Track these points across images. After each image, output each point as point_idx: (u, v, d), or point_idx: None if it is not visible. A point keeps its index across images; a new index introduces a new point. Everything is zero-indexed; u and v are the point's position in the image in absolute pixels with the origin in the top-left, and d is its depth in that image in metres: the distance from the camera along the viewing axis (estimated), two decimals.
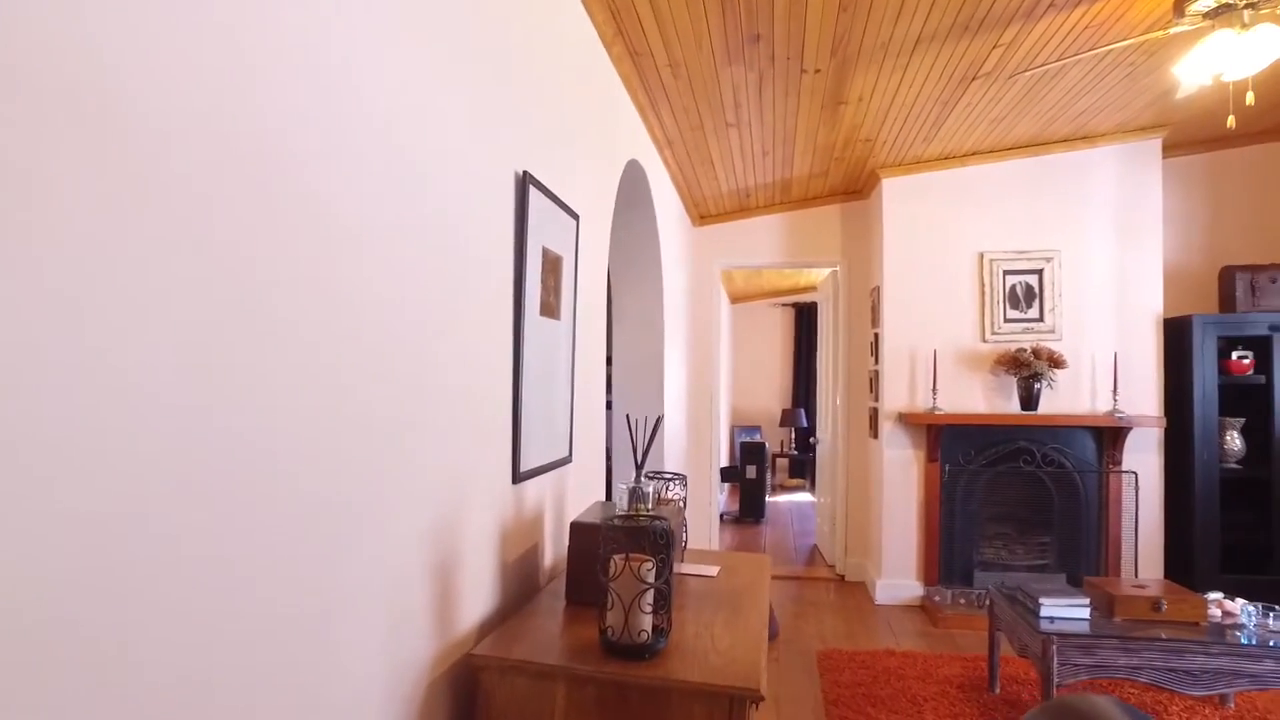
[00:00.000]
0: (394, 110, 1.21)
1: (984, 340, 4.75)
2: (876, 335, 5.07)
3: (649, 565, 1.34)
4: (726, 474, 8.02)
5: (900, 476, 4.80)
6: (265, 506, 0.92)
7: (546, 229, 1.96)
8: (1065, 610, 2.90)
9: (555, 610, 1.66)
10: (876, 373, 5.04)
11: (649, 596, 1.36)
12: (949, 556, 4.67)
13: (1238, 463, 4.48)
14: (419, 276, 1.30)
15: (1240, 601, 2.95)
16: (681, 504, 2.01)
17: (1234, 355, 4.49)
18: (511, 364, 1.74)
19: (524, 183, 1.80)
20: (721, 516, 7.76)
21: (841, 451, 5.49)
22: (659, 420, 1.82)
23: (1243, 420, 4.48)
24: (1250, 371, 4.46)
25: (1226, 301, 4.61)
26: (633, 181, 3.67)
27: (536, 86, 1.93)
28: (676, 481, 2.05)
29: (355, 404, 1.10)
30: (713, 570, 1.98)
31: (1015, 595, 3.14)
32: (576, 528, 1.67)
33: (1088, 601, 2.91)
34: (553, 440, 2.04)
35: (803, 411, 9.75)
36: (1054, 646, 2.71)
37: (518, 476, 1.76)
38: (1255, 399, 4.47)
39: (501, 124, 1.69)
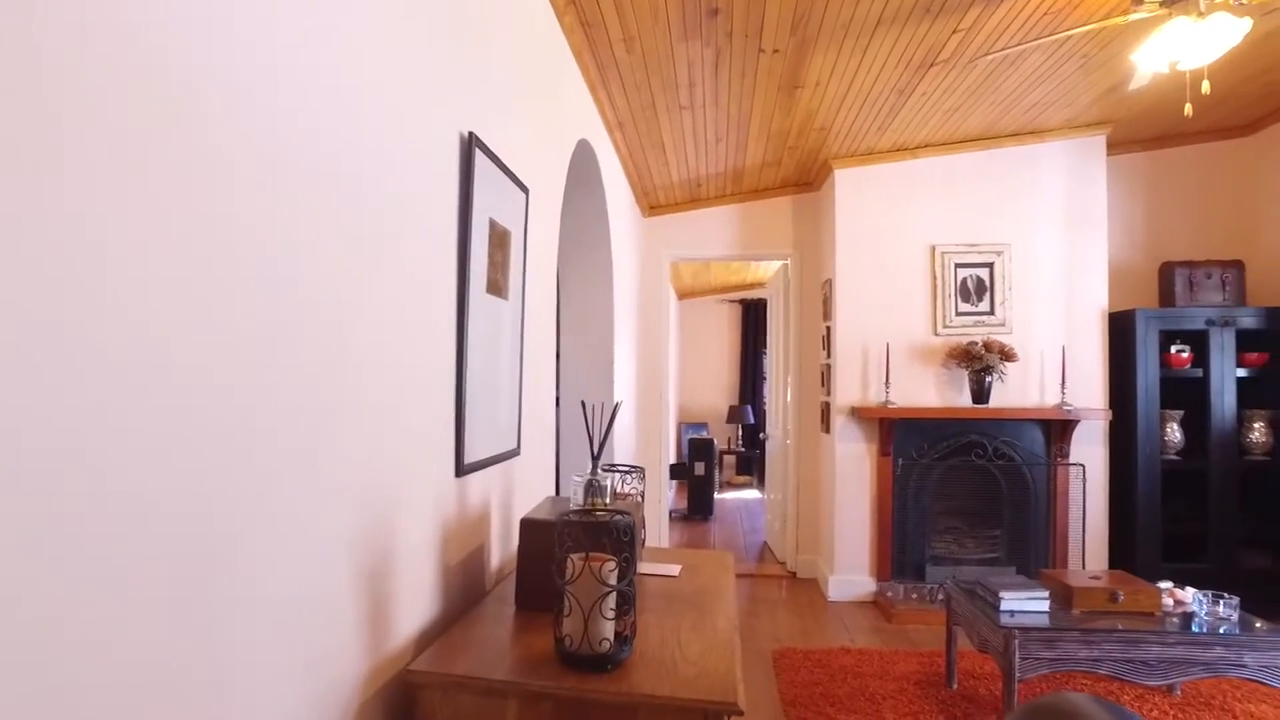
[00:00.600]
0: (314, 47, 1.03)
1: (936, 334, 4.73)
2: (829, 328, 5.02)
3: (611, 566, 1.19)
4: (674, 471, 7.91)
5: (853, 471, 4.75)
6: (90, 556, 0.71)
7: (494, 199, 1.79)
8: (1025, 604, 2.85)
9: (504, 617, 1.49)
10: (828, 366, 4.99)
11: (611, 600, 1.21)
12: (901, 551, 4.64)
13: (1177, 454, 4.55)
14: (334, 237, 1.12)
15: (1190, 590, 2.95)
16: (640, 498, 1.86)
17: (1173, 349, 4.56)
18: (455, 344, 1.57)
19: (470, 145, 1.63)
20: (670, 514, 7.64)
21: (792, 447, 5.42)
22: (617, 407, 1.66)
23: (1181, 413, 4.56)
24: (1188, 365, 4.54)
25: (1166, 296, 4.69)
26: (583, 163, 3.51)
27: (484, 46, 1.76)
28: (634, 475, 1.90)
29: (221, 394, 0.90)
30: (674, 569, 1.84)
31: (974, 590, 3.08)
32: (528, 525, 1.50)
33: (1047, 594, 2.87)
34: (499, 430, 1.87)
35: (750, 408, 9.71)
36: (1016, 641, 2.65)
37: (461, 469, 1.58)
38: (1193, 392, 4.56)
39: (447, 81, 1.52)
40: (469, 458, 1.63)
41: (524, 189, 2.05)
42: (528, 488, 2.18)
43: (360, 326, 1.17)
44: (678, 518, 7.60)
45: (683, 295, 10.22)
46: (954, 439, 4.61)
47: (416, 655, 1.37)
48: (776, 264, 6.17)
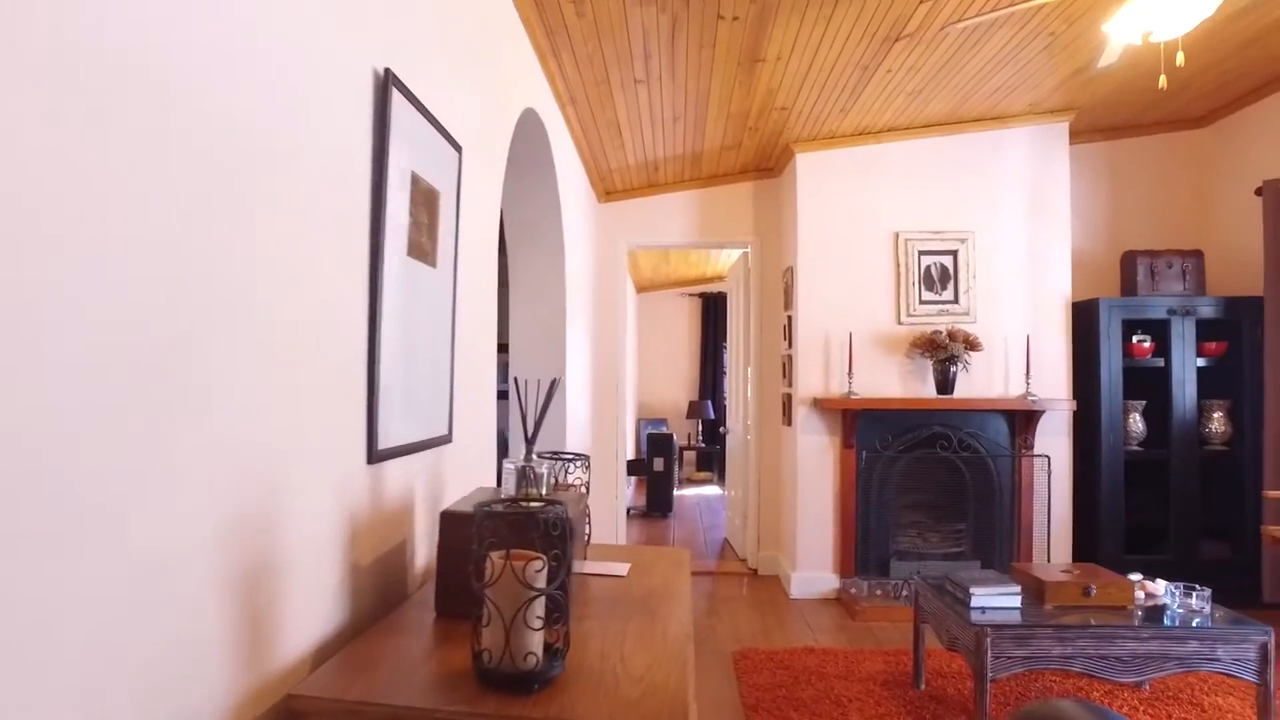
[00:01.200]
0: None
1: (900, 323, 4.61)
2: (790, 318, 4.87)
3: (538, 566, 0.99)
4: (633, 468, 7.73)
5: (815, 464, 4.61)
6: None
7: (418, 151, 1.57)
8: (996, 599, 2.72)
9: (422, 626, 1.28)
10: (790, 357, 4.84)
11: (539, 607, 1.01)
12: (865, 547, 4.51)
13: (1139, 445, 4.50)
14: (206, 181, 0.90)
15: (1161, 582, 2.86)
16: (584, 489, 1.66)
17: (1134, 339, 4.51)
18: (366, 309, 1.35)
19: (386, 84, 1.41)
20: (629, 511, 7.46)
21: (753, 441, 5.27)
22: (554, 384, 1.46)
23: (1144, 403, 4.51)
24: (1150, 355, 4.49)
25: (1128, 286, 4.64)
26: (531, 136, 3.29)
27: None
28: (578, 463, 1.70)
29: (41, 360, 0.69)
30: (622, 568, 1.64)
31: (943, 585, 2.95)
32: (448, 518, 1.29)
33: (1019, 590, 2.74)
34: (426, 414, 1.65)
35: (710, 403, 9.57)
36: (988, 639, 2.51)
37: (375, 455, 1.36)
38: (1154, 382, 4.51)
39: (359, 5, 1.30)
40: (385, 442, 1.41)
41: (456, 146, 1.83)
42: (463, 479, 1.96)
43: (238, 285, 0.95)
44: (636, 515, 7.42)
45: (642, 289, 10.04)
46: (918, 430, 4.50)
47: (311, 672, 1.15)
48: (736, 253, 6.02)
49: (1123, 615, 2.64)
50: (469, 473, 2.00)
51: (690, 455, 10.01)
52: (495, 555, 0.99)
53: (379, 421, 1.37)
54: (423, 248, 1.62)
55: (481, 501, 1.04)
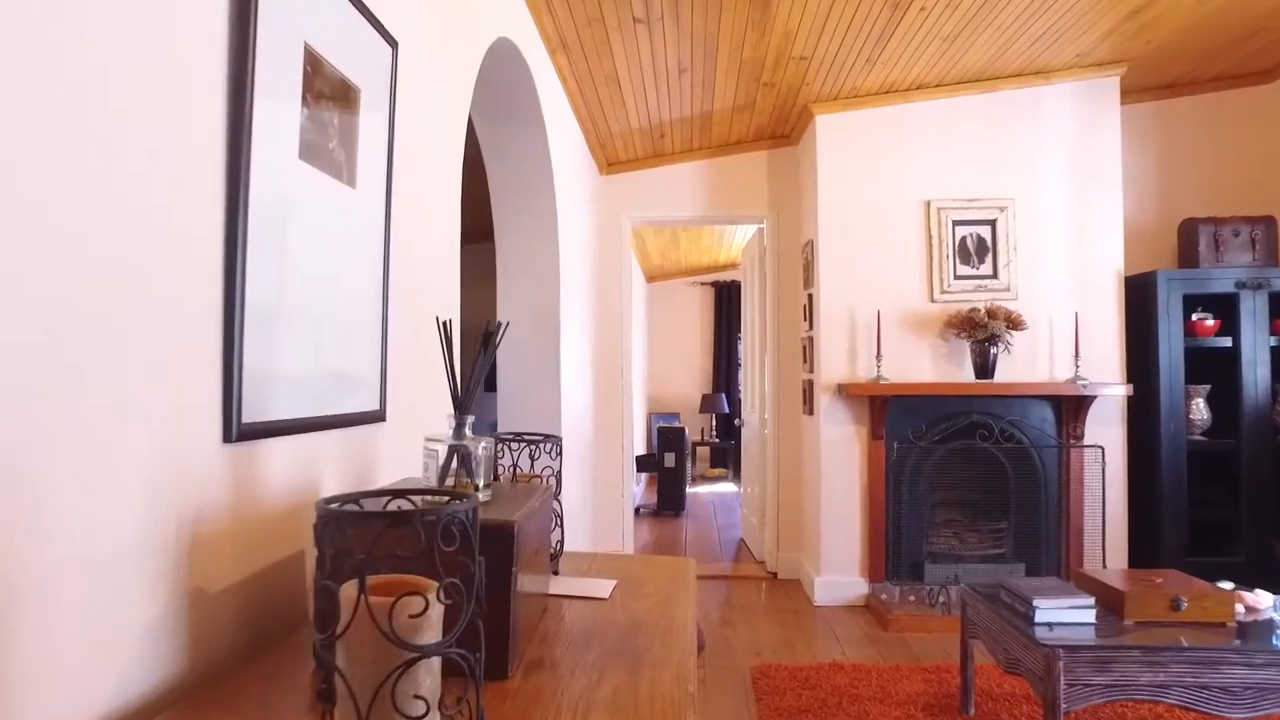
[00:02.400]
0: None
1: (932, 300, 4.16)
2: (810, 296, 4.43)
3: (417, 606, 0.57)
4: (643, 463, 7.31)
5: (840, 457, 4.17)
6: None
7: (319, 21, 1.16)
8: (1065, 613, 2.28)
9: (298, 670, 0.87)
10: (811, 339, 4.40)
11: (422, 674, 0.59)
12: (896, 548, 4.06)
13: (1203, 434, 4.03)
14: None
15: (1265, 594, 2.40)
16: (552, 482, 1.24)
17: (1195, 316, 4.04)
18: (224, 224, 0.93)
19: None
20: (638, 510, 7.05)
21: (771, 432, 4.83)
22: (501, 329, 1.04)
23: (1208, 387, 4.03)
24: (1215, 334, 4.02)
25: (1187, 257, 4.17)
26: (512, 81, 2.87)
27: None
28: (545, 446, 1.28)
29: None
30: (603, 588, 1.22)
31: (997, 595, 2.51)
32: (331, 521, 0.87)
33: (1092, 602, 2.29)
34: (341, 380, 1.24)
35: (724, 396, 9.14)
36: (1060, 663, 2.07)
37: (239, 430, 0.95)
38: (1220, 363, 4.04)
39: None
40: (260, 412, 1.00)
41: (389, 40, 1.42)
42: (401, 467, 1.55)
43: None
44: (647, 514, 7.00)
45: (651, 277, 9.62)
46: (954, 419, 4.05)
47: None
48: (749, 236, 5.57)
49: (1222, 634, 2.19)
50: (413, 458, 1.58)
51: (703, 451, 9.58)
52: (349, 586, 0.57)
53: (243, 382, 0.96)
54: (330, 156, 1.20)
55: (334, 498, 0.62)
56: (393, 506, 0.69)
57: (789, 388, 4.79)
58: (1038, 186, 4.17)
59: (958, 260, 4.17)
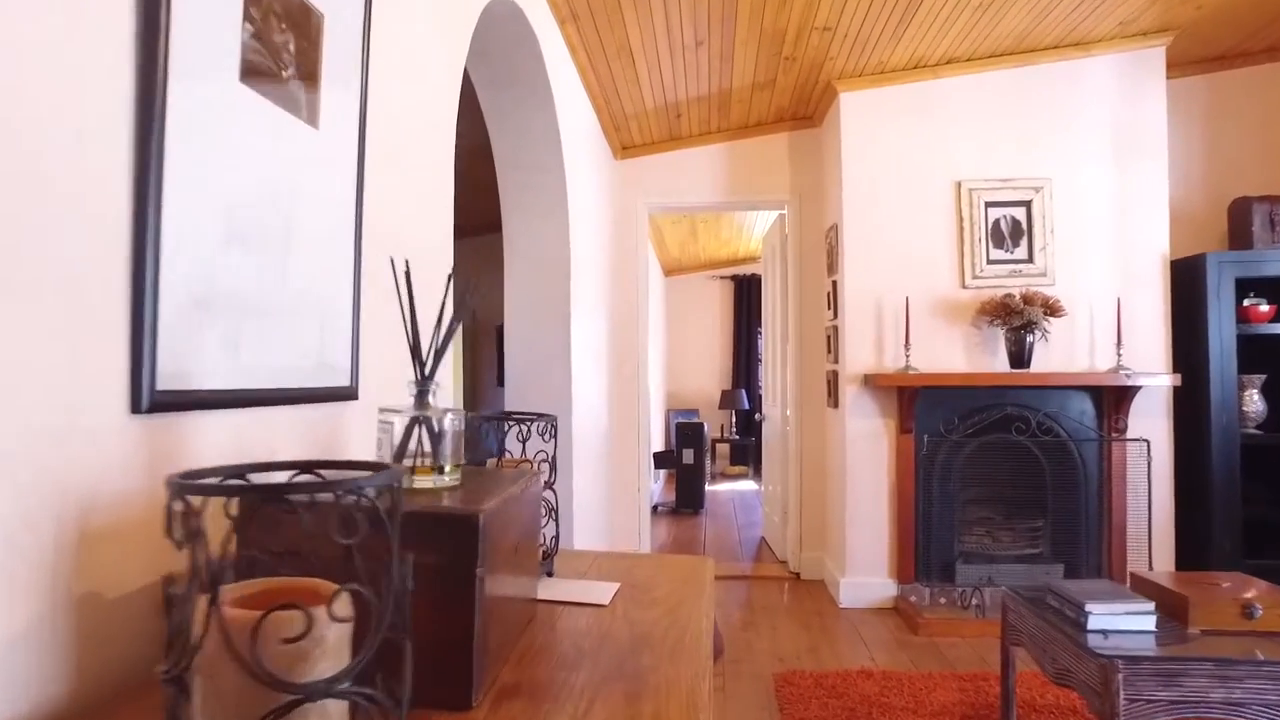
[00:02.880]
0: None
1: (964, 286, 3.94)
2: (835, 283, 4.23)
3: (294, 625, 0.39)
4: (661, 460, 7.13)
5: (867, 451, 3.96)
6: None
7: None
8: (1122, 620, 2.06)
9: None
10: (835, 329, 4.20)
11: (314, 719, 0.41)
12: (926, 547, 3.85)
13: (1257, 427, 3.78)
14: None
15: None
16: (546, 467, 1.06)
17: (1246, 302, 3.79)
18: (133, 139, 0.76)
19: None
20: (656, 508, 6.87)
21: (793, 426, 4.63)
22: (471, 285, 0.86)
23: (1263, 377, 3.78)
24: (1270, 319, 3.76)
25: (1239, 238, 3.91)
26: (513, 45, 2.69)
27: None
28: (539, 425, 1.10)
29: None
30: (604, 593, 1.04)
31: (1043, 598, 2.29)
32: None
33: (1151, 607, 2.08)
34: (302, 348, 1.07)
35: (744, 393, 8.92)
36: (1120, 675, 1.86)
37: (152, 399, 0.78)
38: (1277, 352, 3.78)
39: None
40: (185, 380, 0.83)
41: None
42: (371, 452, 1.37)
43: None
44: (665, 512, 6.81)
45: (670, 271, 9.43)
46: (988, 411, 3.82)
47: None
48: (770, 220, 5.36)
49: None
50: None
51: (723, 448, 9.38)
52: (204, 597, 0.40)
53: (161, 342, 0.79)
54: (285, 88, 1.03)
55: (226, 469, 0.44)
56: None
57: (812, 380, 4.58)
58: (1077, 165, 3.93)
59: (991, 244, 3.94)
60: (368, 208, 1.29)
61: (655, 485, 7.81)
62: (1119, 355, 3.75)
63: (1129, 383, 3.66)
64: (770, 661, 3.22)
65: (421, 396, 0.80)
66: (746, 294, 9.34)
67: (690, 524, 6.30)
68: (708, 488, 7.72)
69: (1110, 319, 3.82)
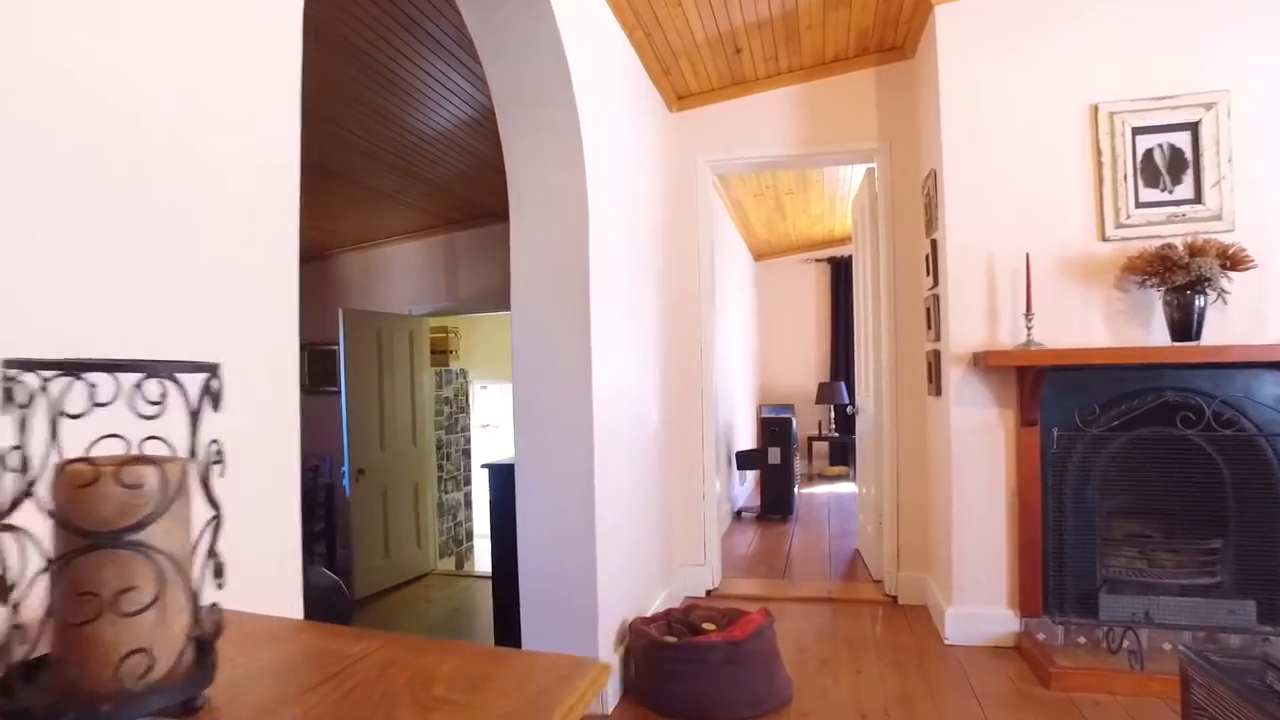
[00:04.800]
0: None
1: (1104, 238, 3.08)
2: (934, 243, 3.44)
3: None
4: (745, 460, 6.44)
5: (979, 449, 3.16)
6: None
7: None
8: None
9: None
10: (936, 298, 3.41)
11: None
12: (1058, 572, 3.01)
13: None
14: None
15: None
16: (200, 463, 0.47)
17: None
18: None
19: None
20: (740, 513, 6.20)
21: (888, 419, 3.86)
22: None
23: None
24: None
25: None
26: None
27: None
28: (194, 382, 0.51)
29: None
30: None
31: (1261, 675, 1.51)
32: None
33: None
34: None
35: (843, 385, 8.08)
36: None
37: None
38: None
39: None
40: None
41: None
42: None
43: None
44: (749, 518, 6.12)
45: (759, 255, 8.71)
46: (1140, 398, 2.95)
47: None
48: (859, 184, 4.58)
49: None
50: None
51: (821, 446, 8.55)
52: None
53: None
54: None
55: None
56: None
57: (910, 362, 3.80)
58: (1262, 71, 2.99)
59: (1140, 182, 3.06)
60: None
61: (742, 488, 7.11)
62: None
63: None
64: (850, 716, 2.51)
65: None
66: (844, 277, 8.48)
67: (775, 533, 5.58)
68: (799, 490, 6.95)
69: None
